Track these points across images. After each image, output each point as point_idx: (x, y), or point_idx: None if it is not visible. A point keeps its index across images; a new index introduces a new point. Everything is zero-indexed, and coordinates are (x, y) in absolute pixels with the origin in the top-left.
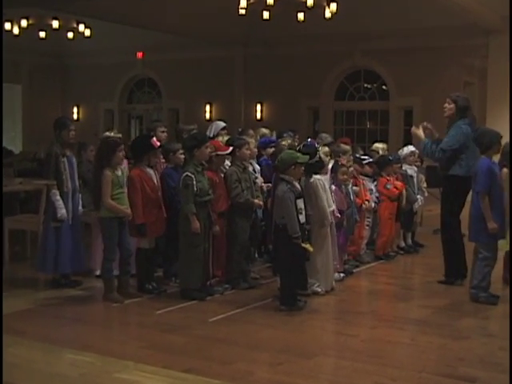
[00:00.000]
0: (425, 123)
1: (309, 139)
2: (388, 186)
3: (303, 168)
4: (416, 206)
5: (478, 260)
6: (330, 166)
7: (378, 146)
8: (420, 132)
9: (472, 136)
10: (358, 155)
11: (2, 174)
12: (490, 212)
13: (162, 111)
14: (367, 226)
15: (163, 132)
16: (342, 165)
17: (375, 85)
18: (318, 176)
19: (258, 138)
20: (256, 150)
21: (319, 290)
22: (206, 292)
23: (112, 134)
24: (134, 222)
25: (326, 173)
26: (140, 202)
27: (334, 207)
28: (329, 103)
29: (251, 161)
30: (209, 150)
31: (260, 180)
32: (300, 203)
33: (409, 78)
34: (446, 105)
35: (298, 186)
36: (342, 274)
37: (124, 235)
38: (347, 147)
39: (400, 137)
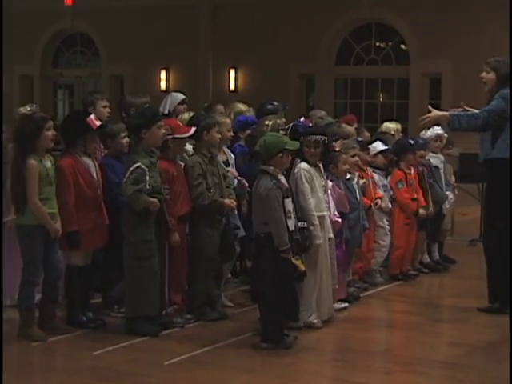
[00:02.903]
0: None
1: (301, 118)
2: (400, 186)
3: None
4: (446, 206)
5: None
6: None
7: (389, 126)
8: (436, 113)
9: None
10: (361, 139)
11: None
12: None
13: (100, 79)
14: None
15: (105, 107)
16: (340, 151)
17: (391, 43)
18: (305, 165)
19: (232, 116)
20: (231, 133)
21: (314, 320)
22: (160, 325)
23: (28, 109)
24: (64, 229)
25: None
26: (73, 202)
27: (326, 212)
28: (327, 69)
29: (224, 148)
30: (162, 131)
31: (233, 174)
32: (288, 204)
33: (436, 35)
34: (484, 74)
35: (284, 180)
36: (344, 304)
37: (52, 249)
38: (349, 128)
39: (424, 114)
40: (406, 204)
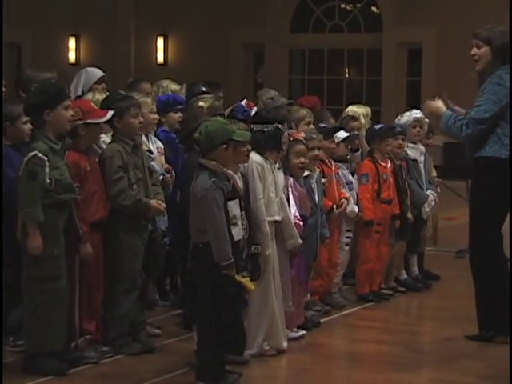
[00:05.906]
0: (443, 95)
1: (243, 101)
2: (364, 180)
3: (248, 149)
4: (426, 209)
5: None
6: None
7: (357, 110)
8: (438, 103)
9: None
10: (324, 125)
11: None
12: None
13: None
14: (346, 245)
15: None
16: (296, 140)
17: (359, 5)
18: (257, 157)
19: (160, 94)
20: (156, 115)
21: (266, 347)
22: (68, 361)
23: None
24: None
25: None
26: None
27: (278, 217)
28: (281, 37)
29: (149, 135)
30: (70, 113)
31: (158, 165)
32: (234, 207)
33: None
34: (475, 50)
35: (235, 177)
36: (300, 332)
37: None
38: (303, 112)
39: (401, 94)
40: (363, 206)
